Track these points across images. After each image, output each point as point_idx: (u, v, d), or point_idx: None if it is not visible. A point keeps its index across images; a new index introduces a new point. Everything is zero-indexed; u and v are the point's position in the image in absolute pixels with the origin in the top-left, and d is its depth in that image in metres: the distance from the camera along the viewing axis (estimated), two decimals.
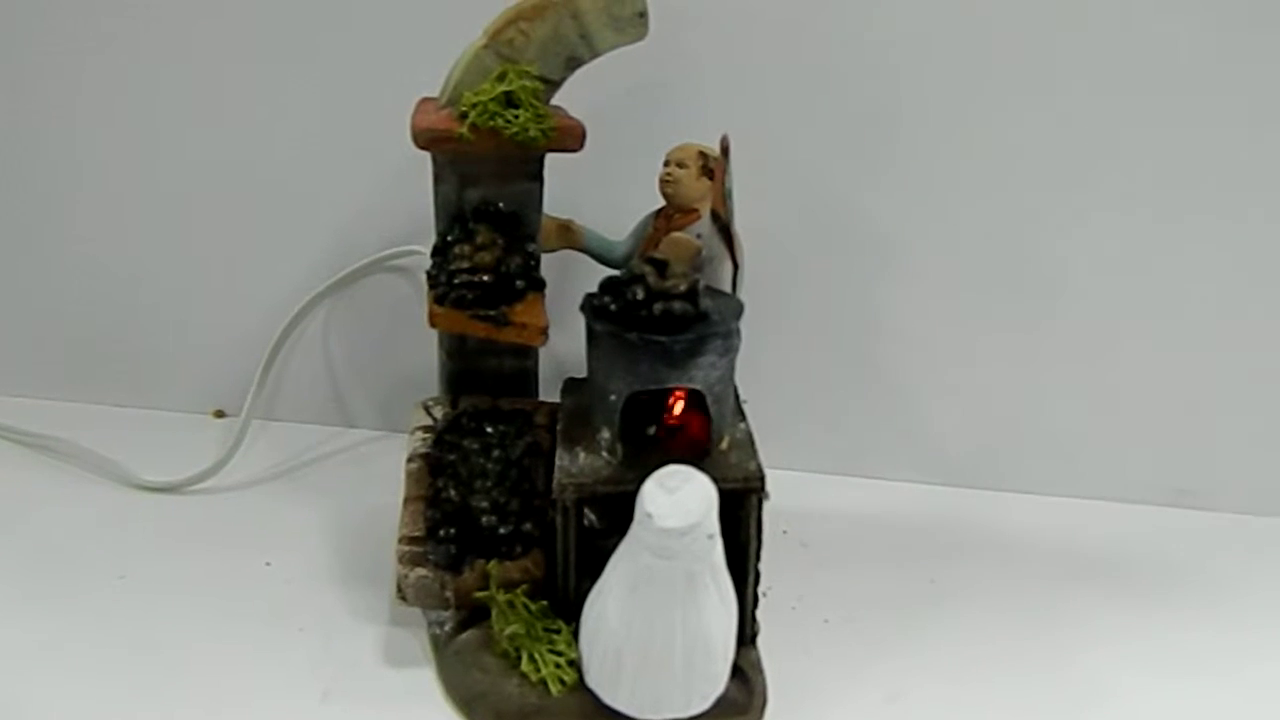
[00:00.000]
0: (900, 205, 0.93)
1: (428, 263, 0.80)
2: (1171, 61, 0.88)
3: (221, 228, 1.01)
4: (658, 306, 0.68)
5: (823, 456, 0.99)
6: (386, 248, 0.99)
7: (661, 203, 0.81)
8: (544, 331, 0.77)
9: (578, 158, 0.78)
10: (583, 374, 0.78)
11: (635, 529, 0.66)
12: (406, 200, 0.95)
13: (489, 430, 0.80)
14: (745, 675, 0.73)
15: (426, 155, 0.78)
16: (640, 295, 0.69)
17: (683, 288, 0.69)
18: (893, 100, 0.91)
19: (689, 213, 0.80)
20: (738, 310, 0.72)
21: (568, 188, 0.82)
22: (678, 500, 0.65)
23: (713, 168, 0.79)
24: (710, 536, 0.66)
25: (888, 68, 0.90)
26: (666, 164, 0.80)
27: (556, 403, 0.81)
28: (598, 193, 0.86)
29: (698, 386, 0.70)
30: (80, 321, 1.05)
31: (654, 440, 0.74)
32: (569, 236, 0.84)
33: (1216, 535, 0.95)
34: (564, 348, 0.89)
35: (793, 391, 0.97)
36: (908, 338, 0.97)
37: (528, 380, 0.85)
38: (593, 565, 0.72)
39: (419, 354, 0.96)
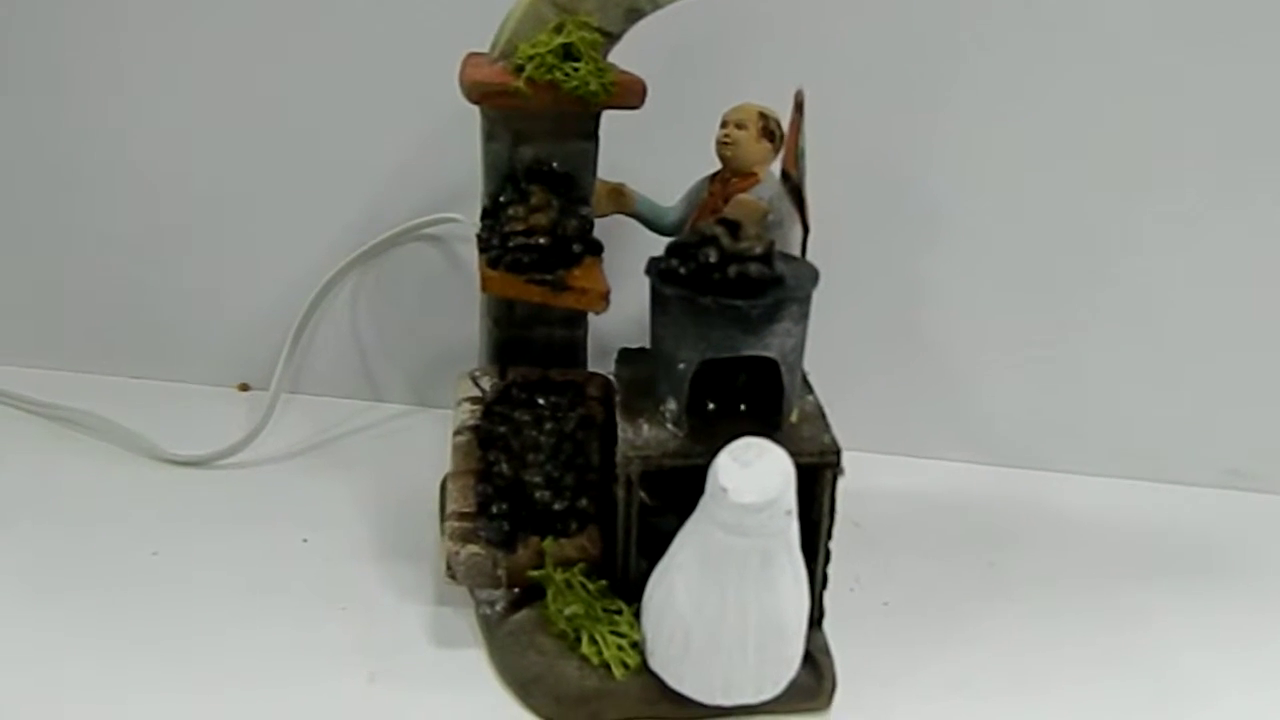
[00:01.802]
0: (953, 179, 0.91)
1: (461, 231, 0.76)
2: (1239, 28, 0.85)
3: (248, 197, 0.98)
4: (733, 269, 0.65)
5: (873, 435, 0.96)
6: (418, 216, 0.95)
7: (715, 166, 0.77)
8: (605, 297, 0.73)
9: (624, 118, 0.74)
10: (623, 345, 0.75)
11: (707, 504, 0.63)
12: (439, 166, 0.93)
13: (541, 402, 0.77)
14: (814, 659, 0.70)
15: (461, 119, 0.75)
16: (713, 258, 0.65)
17: (758, 250, 0.65)
18: (948, 68, 0.88)
19: (747, 176, 0.76)
20: (813, 275, 0.68)
21: (611, 150, 0.78)
22: (753, 474, 0.62)
23: (773, 129, 0.75)
24: (788, 512, 0.63)
25: (944, 35, 0.87)
26: (724, 125, 0.75)
27: (608, 373, 0.77)
28: (644, 156, 0.82)
29: (772, 355, 0.66)
30: (105, 293, 1.01)
31: (715, 415, 0.70)
32: (621, 201, 0.80)
33: (1269, 518, 0.93)
34: (604, 319, 0.85)
35: (841, 368, 0.94)
36: (960, 315, 0.95)
37: (577, 351, 0.82)
38: (648, 543, 0.69)
39: (451, 326, 0.94)
